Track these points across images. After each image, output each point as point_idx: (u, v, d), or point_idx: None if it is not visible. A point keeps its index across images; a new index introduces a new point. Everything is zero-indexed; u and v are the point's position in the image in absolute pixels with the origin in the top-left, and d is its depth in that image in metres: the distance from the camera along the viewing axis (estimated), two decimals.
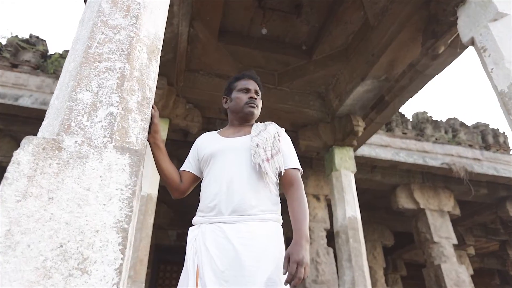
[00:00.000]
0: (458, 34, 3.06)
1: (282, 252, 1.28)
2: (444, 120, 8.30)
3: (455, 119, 8.42)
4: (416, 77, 4.22)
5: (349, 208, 4.39)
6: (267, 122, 1.60)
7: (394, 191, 6.74)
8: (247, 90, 1.60)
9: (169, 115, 4.31)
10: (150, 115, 1.40)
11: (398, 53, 3.83)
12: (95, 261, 0.96)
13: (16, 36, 5.90)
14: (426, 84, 4.37)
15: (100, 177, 1.09)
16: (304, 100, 4.98)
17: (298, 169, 1.46)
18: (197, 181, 1.56)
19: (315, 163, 6.20)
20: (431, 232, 6.23)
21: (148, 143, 1.48)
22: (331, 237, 6.08)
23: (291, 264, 1.15)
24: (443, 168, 6.40)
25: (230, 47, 4.48)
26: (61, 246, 0.96)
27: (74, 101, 1.21)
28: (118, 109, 1.24)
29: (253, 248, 1.22)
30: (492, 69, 2.33)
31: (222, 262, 1.21)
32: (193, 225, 1.39)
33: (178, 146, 5.34)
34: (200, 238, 1.29)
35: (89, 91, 1.24)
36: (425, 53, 3.76)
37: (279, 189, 1.44)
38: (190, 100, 4.60)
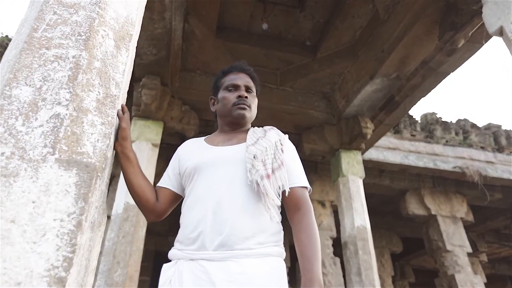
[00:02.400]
0: (481, 25, 2.76)
1: None
2: (454, 121, 7.95)
3: (465, 120, 8.07)
4: (430, 75, 3.91)
5: (358, 216, 4.06)
6: (266, 127, 1.27)
7: (403, 197, 6.40)
8: (235, 87, 1.29)
9: (164, 117, 4.02)
10: (116, 117, 1.10)
11: (411, 48, 3.51)
12: None
13: (6, 36, 5.64)
14: (440, 83, 4.06)
15: (33, 202, 0.79)
16: (308, 101, 4.67)
17: (306, 187, 1.15)
18: (177, 200, 1.24)
19: (320, 167, 5.88)
20: (443, 240, 5.88)
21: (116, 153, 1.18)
22: (336, 244, 5.76)
23: None
24: (456, 172, 6.06)
25: (229, 45, 4.18)
26: None
27: (7, 99, 0.91)
28: (67, 109, 0.94)
29: None
30: None
31: None
32: (169, 261, 1.07)
33: (174, 150, 5.05)
34: (176, 280, 0.97)
35: (30, 85, 0.95)
36: (441, 48, 3.45)
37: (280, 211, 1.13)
38: (186, 102, 4.30)
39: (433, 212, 6.17)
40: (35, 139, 0.87)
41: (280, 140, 1.19)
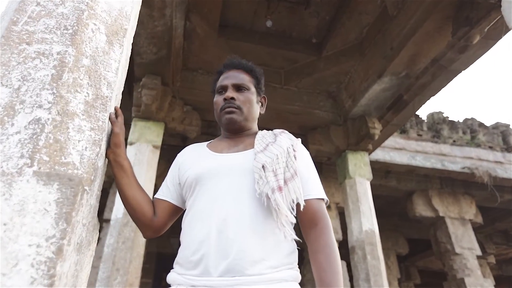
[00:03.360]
0: (498, 20, 2.62)
1: None
2: (461, 120, 7.80)
3: (472, 119, 7.91)
4: (440, 73, 3.76)
5: (366, 220, 3.93)
6: (276, 131, 1.13)
7: (410, 198, 6.26)
8: (224, 89, 1.15)
9: (165, 118, 3.90)
10: (108, 121, 0.98)
11: (422, 45, 3.37)
12: None
13: None
14: (451, 81, 3.91)
15: (4, 225, 0.67)
16: (313, 101, 4.54)
17: (323, 199, 1.01)
18: (178, 213, 1.11)
19: (325, 168, 5.75)
20: (452, 243, 5.73)
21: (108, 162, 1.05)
22: (342, 247, 5.63)
23: None
24: (465, 173, 5.90)
25: (232, 43, 4.05)
26: None
27: None
28: (50, 113, 0.82)
29: None
30: None
31: None
32: (169, 285, 0.94)
33: (176, 151, 4.93)
34: None
35: (6, 86, 0.82)
36: (452, 45, 3.30)
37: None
38: (188, 102, 4.18)
39: (441, 214, 6.02)
40: (10, 148, 0.75)
41: (292, 145, 1.05)
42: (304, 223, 0.97)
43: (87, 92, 0.92)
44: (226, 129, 1.15)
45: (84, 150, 0.86)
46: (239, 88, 1.14)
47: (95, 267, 4.54)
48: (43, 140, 0.78)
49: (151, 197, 1.11)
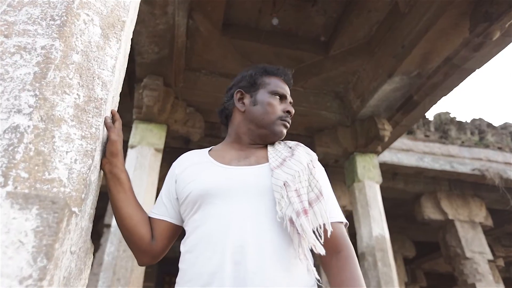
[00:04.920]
0: None
1: None
2: (468, 121, 7.63)
3: (480, 119, 7.75)
4: (453, 72, 3.61)
5: (376, 225, 3.78)
6: (290, 143, 0.99)
7: (418, 201, 6.10)
8: (283, 98, 1.03)
9: (167, 120, 3.76)
10: (103, 128, 0.84)
11: (435, 43, 3.23)
12: None
13: None
14: (464, 80, 3.77)
15: None
16: (320, 101, 4.40)
17: (342, 222, 0.88)
18: (178, 232, 0.96)
19: (331, 170, 5.58)
20: (462, 246, 5.57)
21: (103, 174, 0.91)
22: None
23: None
24: (475, 175, 5.74)
25: (236, 42, 3.92)
26: None
27: None
28: (31, 119, 0.68)
29: None
30: None
31: None
32: None
33: (179, 154, 4.80)
34: None
35: None
36: (467, 43, 3.16)
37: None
38: (190, 103, 4.04)
39: (450, 217, 5.86)
40: None
41: (312, 161, 0.91)
42: (326, 249, 0.82)
43: (77, 94, 0.78)
44: (262, 136, 0.99)
45: (73, 163, 0.72)
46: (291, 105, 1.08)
47: (95, 274, 4.41)
48: (21, 153, 0.64)
49: (148, 214, 0.96)
